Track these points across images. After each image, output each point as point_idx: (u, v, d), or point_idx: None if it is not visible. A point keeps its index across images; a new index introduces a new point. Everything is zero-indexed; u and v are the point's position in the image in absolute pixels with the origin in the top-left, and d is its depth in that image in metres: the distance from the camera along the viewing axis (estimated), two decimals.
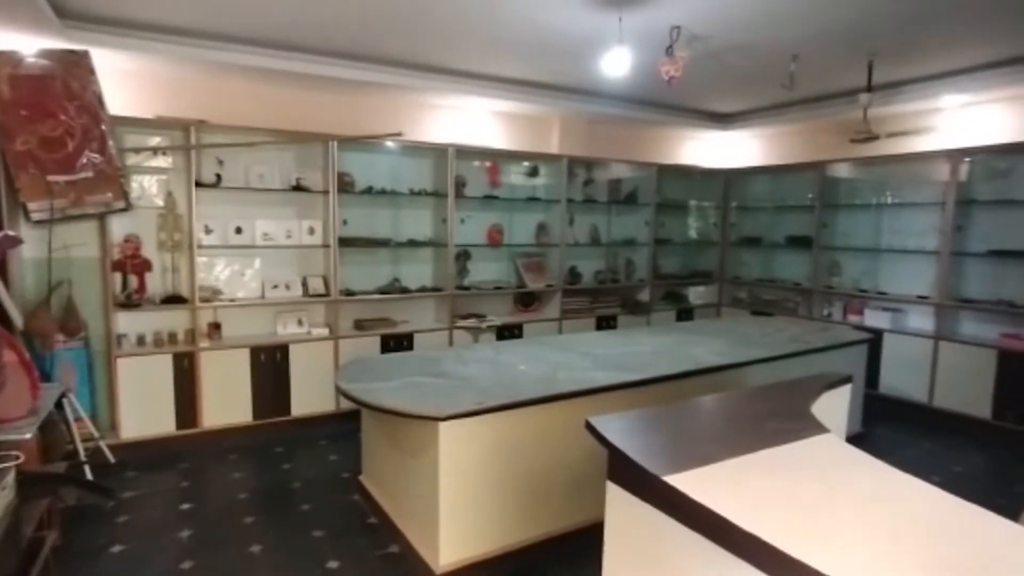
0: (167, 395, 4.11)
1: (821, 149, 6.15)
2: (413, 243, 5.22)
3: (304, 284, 4.74)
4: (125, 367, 3.99)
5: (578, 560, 2.71)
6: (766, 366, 3.63)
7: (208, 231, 4.35)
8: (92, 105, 3.74)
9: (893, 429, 4.76)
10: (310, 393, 4.56)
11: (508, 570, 2.74)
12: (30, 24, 3.39)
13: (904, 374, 5.08)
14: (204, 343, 4.26)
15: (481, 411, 2.61)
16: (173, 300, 4.23)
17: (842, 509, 1.47)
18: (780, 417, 2.13)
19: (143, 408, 4.05)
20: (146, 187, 4.22)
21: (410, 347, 4.90)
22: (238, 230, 4.46)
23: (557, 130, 6.12)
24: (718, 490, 1.52)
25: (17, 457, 2.06)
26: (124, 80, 4.24)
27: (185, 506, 3.36)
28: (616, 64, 3.78)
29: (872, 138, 4.94)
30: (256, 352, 4.38)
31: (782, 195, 6.48)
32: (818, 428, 2.00)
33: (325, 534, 3.07)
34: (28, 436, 2.45)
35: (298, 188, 4.65)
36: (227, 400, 4.29)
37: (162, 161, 4.25)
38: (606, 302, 6.15)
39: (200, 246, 4.26)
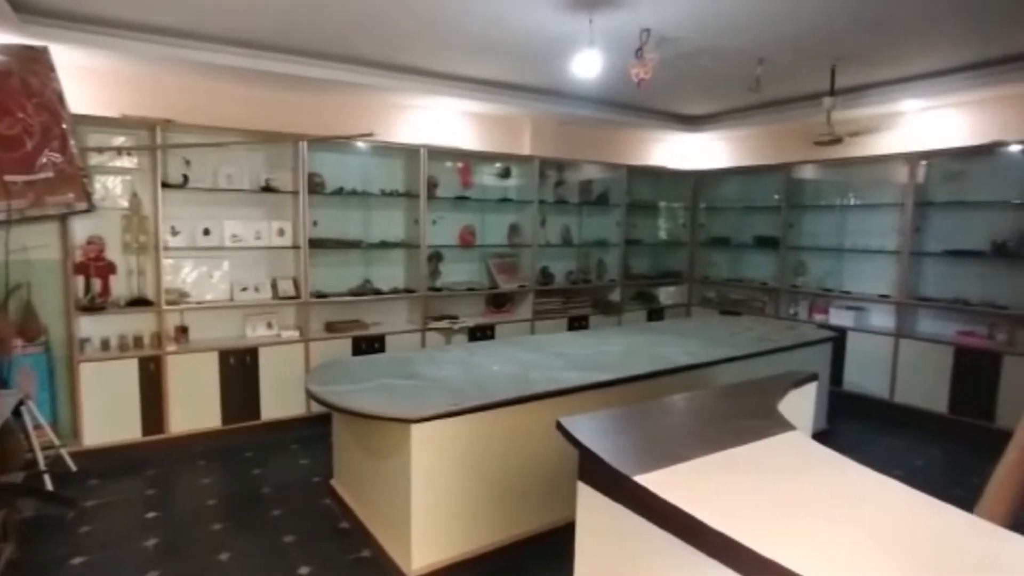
0: (132, 400, 4.02)
1: (787, 151, 6.27)
2: (385, 244, 5.18)
3: (274, 286, 4.67)
4: (88, 372, 3.89)
5: (553, 560, 2.73)
6: (735, 365, 3.70)
7: (175, 233, 4.26)
8: (52, 103, 3.63)
9: (857, 425, 4.89)
10: (280, 397, 4.50)
11: (482, 571, 2.75)
12: None
13: (867, 371, 5.23)
14: (171, 347, 4.17)
15: (453, 413, 2.61)
16: (139, 303, 4.13)
17: (810, 506, 1.50)
18: (748, 416, 2.17)
19: (107, 414, 3.94)
20: (110, 188, 4.12)
21: (382, 349, 4.87)
22: (206, 231, 4.38)
23: (529, 131, 6.14)
24: (688, 488, 1.54)
25: None
26: (87, 77, 4.13)
27: (151, 514, 3.28)
28: (587, 66, 3.82)
29: (836, 141, 5.06)
30: (225, 355, 4.30)
31: (750, 196, 6.60)
32: (785, 426, 2.04)
33: (296, 539, 3.03)
34: None
35: (268, 189, 4.58)
36: (195, 405, 4.21)
37: (127, 161, 4.16)
38: (578, 302, 6.18)
39: (166, 248, 4.17)
